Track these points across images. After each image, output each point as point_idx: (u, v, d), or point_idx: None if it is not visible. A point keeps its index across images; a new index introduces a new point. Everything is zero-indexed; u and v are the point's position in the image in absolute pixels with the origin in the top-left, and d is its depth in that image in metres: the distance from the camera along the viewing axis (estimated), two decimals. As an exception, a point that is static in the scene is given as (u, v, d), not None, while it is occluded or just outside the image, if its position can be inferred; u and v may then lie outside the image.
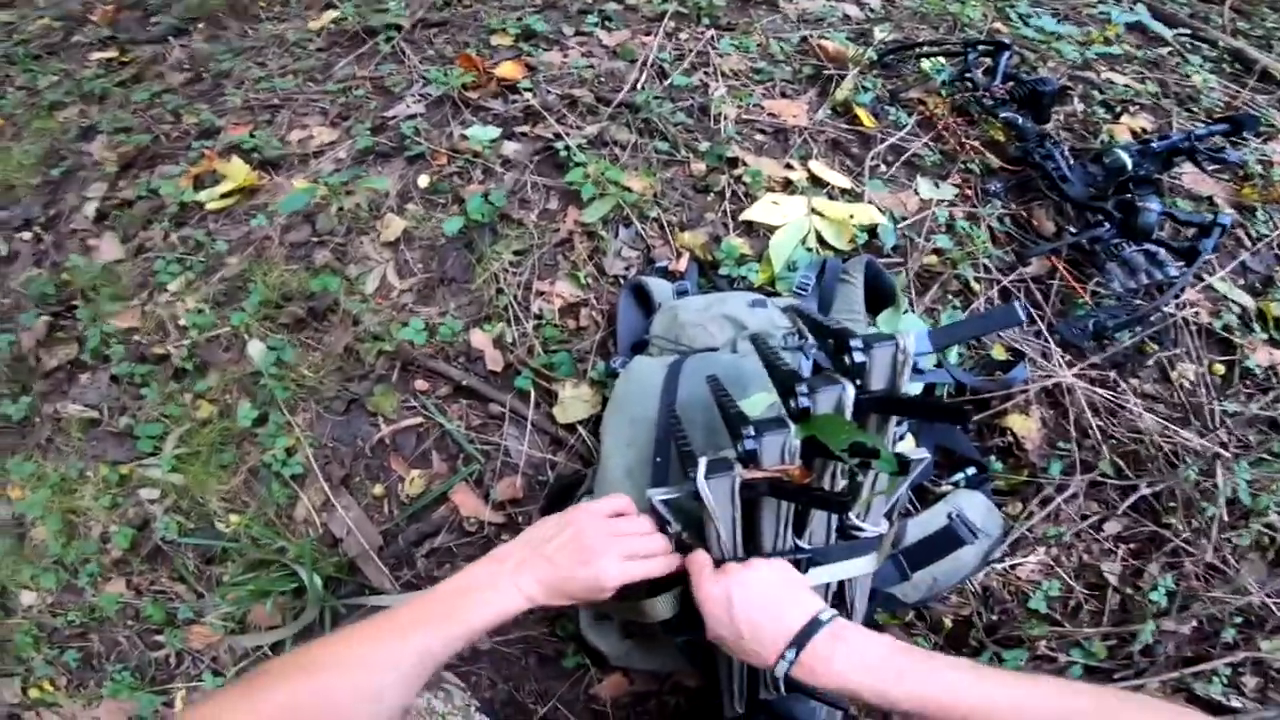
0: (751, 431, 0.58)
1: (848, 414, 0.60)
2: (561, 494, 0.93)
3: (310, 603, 0.98)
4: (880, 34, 1.51)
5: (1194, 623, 0.94)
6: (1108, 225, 1.14)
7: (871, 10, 1.64)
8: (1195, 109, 1.49)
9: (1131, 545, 1.01)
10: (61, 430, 1.14)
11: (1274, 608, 0.92)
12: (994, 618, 0.97)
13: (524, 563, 0.60)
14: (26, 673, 1.02)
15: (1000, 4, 1.70)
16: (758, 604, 0.58)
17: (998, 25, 1.62)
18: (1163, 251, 1.12)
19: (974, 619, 0.96)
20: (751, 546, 0.64)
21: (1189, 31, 1.75)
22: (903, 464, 0.55)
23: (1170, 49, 1.67)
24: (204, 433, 1.09)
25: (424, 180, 1.20)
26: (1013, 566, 1.01)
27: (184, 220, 1.28)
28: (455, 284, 1.11)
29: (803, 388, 0.59)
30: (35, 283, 1.26)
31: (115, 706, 0.97)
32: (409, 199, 1.19)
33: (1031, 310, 1.15)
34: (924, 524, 0.83)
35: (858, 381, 0.61)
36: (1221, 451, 1.03)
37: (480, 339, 1.05)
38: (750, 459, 0.59)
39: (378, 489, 1.03)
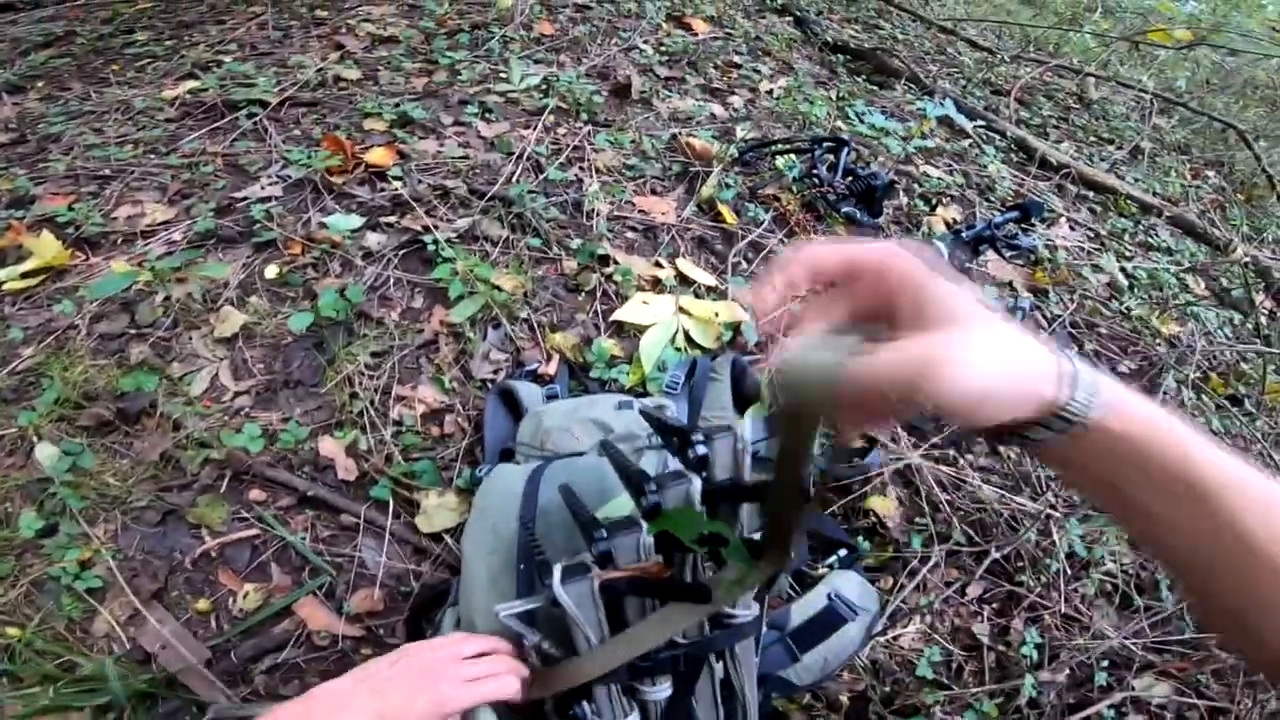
0: (604, 534, 0.59)
1: (697, 506, 0.62)
2: (429, 603, 0.87)
3: None
4: (742, 132, 1.64)
5: (1067, 671, 1.01)
6: (935, 314, 1.28)
7: (735, 109, 1.79)
8: (993, 197, 1.73)
9: (994, 605, 1.09)
10: None
11: (1133, 648, 1.01)
12: (887, 689, 1.00)
13: (356, 694, 0.56)
14: None
15: (840, 103, 1.91)
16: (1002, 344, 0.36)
17: (839, 124, 1.82)
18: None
19: (869, 693, 0.98)
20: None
21: (985, 123, 2.05)
22: (754, 549, 0.55)
23: (970, 141, 1.94)
24: (-26, 545, 0.91)
25: (272, 271, 1.11)
26: (895, 638, 1.06)
27: (-28, 304, 1.10)
28: (302, 387, 1.02)
29: (651, 485, 0.60)
30: None
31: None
32: (252, 291, 1.09)
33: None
34: (806, 606, 0.86)
35: (704, 474, 0.63)
36: (1052, 512, 1.15)
37: (330, 446, 0.96)
38: (606, 560, 0.59)
39: (202, 603, 0.89)
